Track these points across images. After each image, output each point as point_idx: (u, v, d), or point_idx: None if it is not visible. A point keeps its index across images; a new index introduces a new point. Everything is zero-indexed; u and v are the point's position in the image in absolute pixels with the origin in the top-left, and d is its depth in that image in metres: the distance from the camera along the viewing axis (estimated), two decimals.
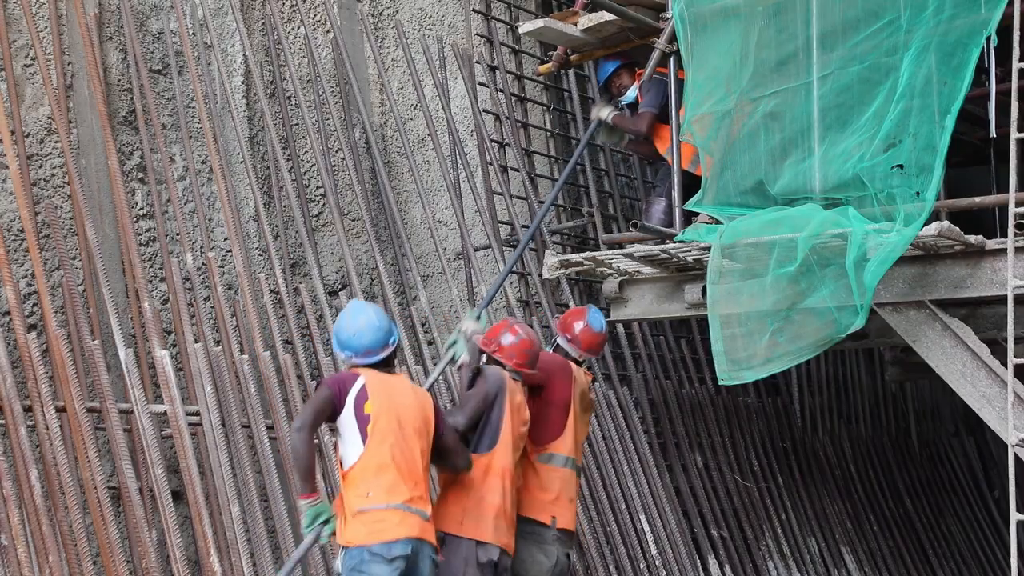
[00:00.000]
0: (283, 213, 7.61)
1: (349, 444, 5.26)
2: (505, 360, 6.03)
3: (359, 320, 5.44)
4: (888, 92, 6.29)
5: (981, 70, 6.91)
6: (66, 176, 6.43)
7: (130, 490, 5.72)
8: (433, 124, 8.41)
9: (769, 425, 10.05)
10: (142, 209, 6.90)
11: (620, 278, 7.74)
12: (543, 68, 8.81)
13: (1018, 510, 5.85)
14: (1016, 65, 5.93)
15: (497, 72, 9.24)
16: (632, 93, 7.94)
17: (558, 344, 6.55)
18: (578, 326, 6.50)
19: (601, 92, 8.44)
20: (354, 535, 5.16)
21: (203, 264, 6.94)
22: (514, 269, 8.77)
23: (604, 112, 7.88)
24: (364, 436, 5.22)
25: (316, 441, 5.52)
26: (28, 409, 5.60)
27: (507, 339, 6.07)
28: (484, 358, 6.11)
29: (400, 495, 5.21)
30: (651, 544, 7.90)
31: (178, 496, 6.14)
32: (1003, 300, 6.03)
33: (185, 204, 7.05)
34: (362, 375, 5.34)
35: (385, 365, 5.46)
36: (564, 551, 6.22)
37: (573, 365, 6.43)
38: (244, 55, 7.55)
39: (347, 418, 5.25)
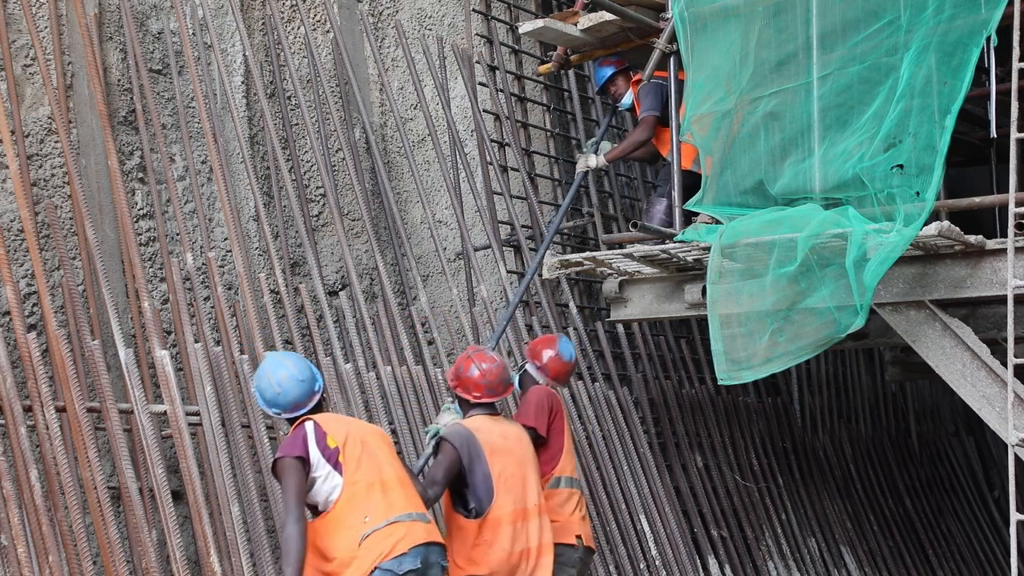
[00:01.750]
0: (283, 213, 7.61)
1: (326, 484, 5.14)
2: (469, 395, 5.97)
3: (279, 375, 5.23)
4: (888, 92, 6.29)
5: (981, 70, 6.91)
6: (66, 176, 6.43)
7: (130, 490, 5.70)
8: (433, 124, 8.40)
9: (769, 425, 10.05)
10: (142, 209, 6.90)
11: (620, 278, 7.73)
12: (543, 68, 8.81)
13: (1018, 510, 5.85)
14: (1016, 65, 5.92)
15: (497, 72, 9.24)
16: (628, 99, 7.97)
17: (525, 370, 6.55)
18: (547, 354, 6.51)
19: (598, 95, 8.41)
20: (363, 567, 5.02)
21: (203, 264, 6.94)
22: (514, 269, 8.78)
23: (592, 160, 7.96)
24: (339, 467, 5.12)
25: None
26: (28, 409, 5.59)
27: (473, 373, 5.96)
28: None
29: (398, 507, 5.14)
30: (651, 544, 7.90)
31: (178, 496, 6.13)
32: (1003, 300, 6.02)
33: (185, 204, 7.05)
34: (307, 421, 5.20)
35: (316, 412, 5.29)
36: (585, 569, 6.31)
37: (552, 389, 6.46)
38: (244, 55, 7.55)
39: (318, 462, 5.13)
